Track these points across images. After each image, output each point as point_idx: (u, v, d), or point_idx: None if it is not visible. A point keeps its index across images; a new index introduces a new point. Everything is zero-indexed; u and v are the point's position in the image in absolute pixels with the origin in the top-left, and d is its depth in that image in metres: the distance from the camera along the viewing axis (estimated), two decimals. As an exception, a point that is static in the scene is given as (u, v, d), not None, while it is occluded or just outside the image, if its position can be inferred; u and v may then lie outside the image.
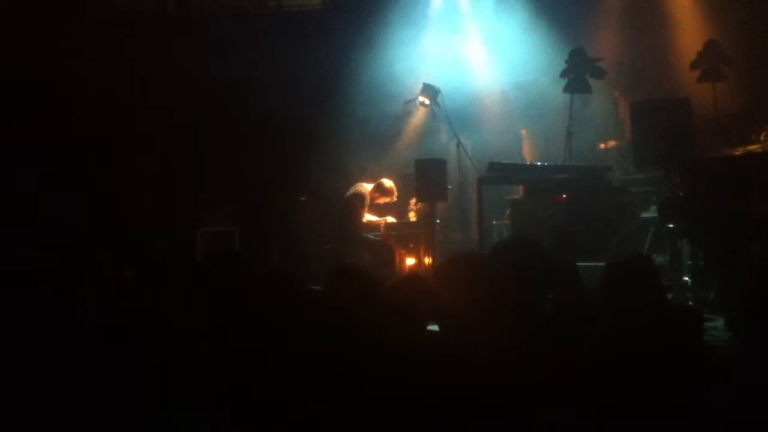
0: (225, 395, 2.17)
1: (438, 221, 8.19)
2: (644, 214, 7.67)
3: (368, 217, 8.25)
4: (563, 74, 8.45)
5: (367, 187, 8.25)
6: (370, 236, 8.20)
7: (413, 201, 8.40)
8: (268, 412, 2.17)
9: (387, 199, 8.33)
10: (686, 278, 6.77)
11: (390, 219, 8.37)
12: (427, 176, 7.64)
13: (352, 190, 8.23)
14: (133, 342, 1.90)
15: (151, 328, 1.95)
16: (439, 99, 8.54)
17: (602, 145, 9.73)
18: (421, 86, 8.64)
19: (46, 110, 8.06)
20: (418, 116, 9.94)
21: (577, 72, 8.37)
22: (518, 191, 8.75)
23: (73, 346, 1.94)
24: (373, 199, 8.26)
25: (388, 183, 8.31)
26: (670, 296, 6.04)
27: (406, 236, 8.12)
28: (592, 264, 5.59)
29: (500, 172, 7.52)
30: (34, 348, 1.99)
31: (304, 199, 9.13)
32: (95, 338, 1.92)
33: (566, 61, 8.44)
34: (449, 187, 8.06)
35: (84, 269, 3.40)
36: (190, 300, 3.19)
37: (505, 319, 2.41)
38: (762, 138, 6.24)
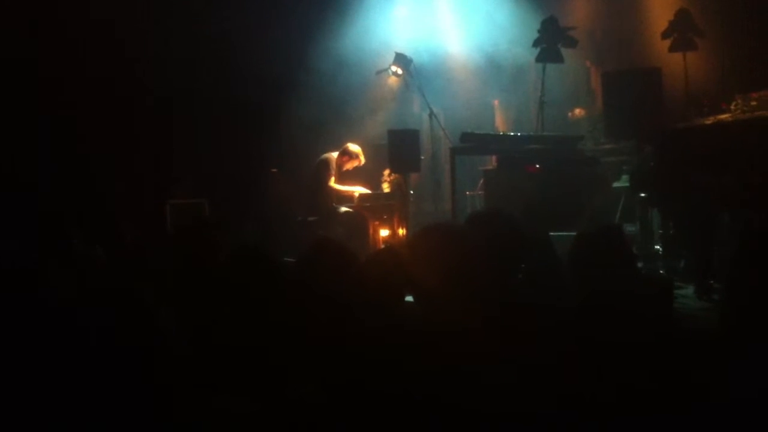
0: (205, 376, 2.15)
1: (411, 192, 8.19)
2: (615, 184, 7.73)
3: (340, 187, 8.24)
4: (535, 44, 8.42)
5: (333, 155, 8.26)
6: (343, 208, 8.18)
7: (386, 172, 8.37)
8: (247, 393, 2.14)
9: (355, 163, 8.34)
10: (657, 247, 6.84)
11: (363, 190, 8.35)
12: (400, 147, 7.61)
13: (318, 159, 8.25)
14: (107, 323, 1.87)
15: (123, 308, 1.91)
16: (411, 69, 8.49)
17: (573, 113, 9.77)
18: (393, 56, 8.57)
19: (6, 84, 7.86)
20: (391, 86, 9.88)
21: (549, 42, 8.34)
22: (491, 161, 8.75)
23: (47, 331, 1.90)
24: (340, 165, 8.27)
25: (353, 147, 8.34)
26: (640, 265, 6.11)
27: (379, 207, 8.11)
28: (565, 234, 5.61)
29: (473, 143, 7.52)
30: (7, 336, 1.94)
31: (275, 171, 9.06)
32: (70, 322, 1.88)
33: (538, 31, 8.40)
34: (422, 157, 8.04)
35: (53, 248, 3.34)
36: (163, 278, 3.15)
37: (478, 289, 2.41)
38: (732, 108, 6.26)
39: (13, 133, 7.69)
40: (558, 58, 8.43)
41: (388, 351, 2.26)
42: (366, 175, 8.70)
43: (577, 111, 9.74)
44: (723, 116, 6.35)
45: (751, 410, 2.04)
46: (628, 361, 2.22)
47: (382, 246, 7.67)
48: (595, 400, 2.10)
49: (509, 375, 2.11)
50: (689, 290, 5.70)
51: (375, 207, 8.12)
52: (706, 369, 2.22)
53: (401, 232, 7.79)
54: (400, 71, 8.55)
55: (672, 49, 8.06)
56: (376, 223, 8.07)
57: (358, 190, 8.32)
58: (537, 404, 2.07)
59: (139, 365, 1.85)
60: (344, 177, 8.42)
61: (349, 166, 8.34)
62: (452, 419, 2.04)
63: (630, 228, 7.09)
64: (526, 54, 8.95)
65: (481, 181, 8.60)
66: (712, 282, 5.48)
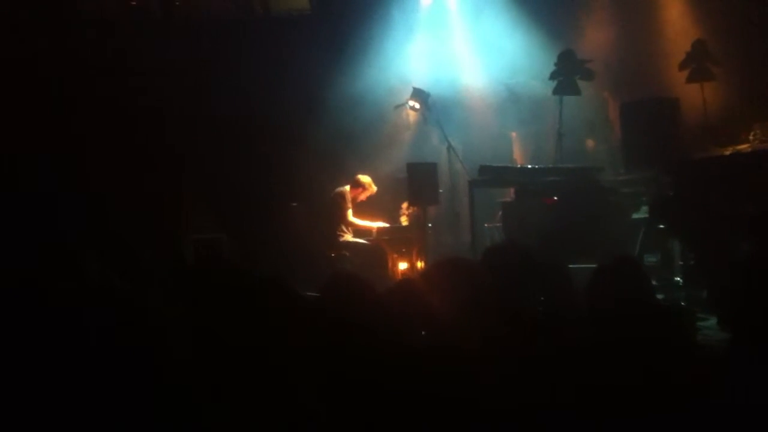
0: (222, 395, 2.16)
1: (430, 225, 8.19)
2: (635, 215, 7.67)
3: (359, 221, 8.26)
4: (552, 76, 8.46)
5: (346, 188, 8.31)
6: (362, 241, 8.19)
7: (405, 205, 8.39)
8: (266, 410, 2.15)
9: (368, 193, 8.37)
10: (677, 278, 6.77)
11: (382, 224, 8.36)
12: (418, 180, 7.64)
13: (333, 193, 8.31)
14: (123, 344, 1.88)
15: (141, 330, 1.93)
16: (429, 102, 8.54)
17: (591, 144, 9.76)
18: (411, 90, 8.63)
19: (35, 111, 7.99)
20: (409, 120, 9.93)
21: (566, 74, 8.38)
22: (509, 193, 8.74)
23: (64, 349, 1.91)
24: (354, 197, 8.29)
25: (363, 177, 8.38)
26: (661, 296, 6.05)
27: (398, 240, 8.12)
28: (584, 266, 5.58)
29: (491, 175, 7.53)
30: (21, 348, 1.95)
31: (295, 205, 9.11)
32: (86, 340, 1.89)
33: (555, 64, 8.44)
34: (440, 190, 8.06)
35: (73, 274, 3.36)
36: (180, 304, 3.16)
37: (491, 321, 2.40)
38: (750, 137, 6.25)
39: (34, 161, 7.81)
40: (575, 91, 8.45)
41: (404, 378, 2.26)
42: (384, 208, 8.72)
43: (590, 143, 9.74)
44: (742, 146, 6.33)
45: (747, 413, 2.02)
46: (630, 363, 2.20)
47: (400, 279, 7.67)
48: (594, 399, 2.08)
49: (510, 375, 2.10)
50: (712, 321, 5.62)
51: (393, 240, 8.13)
52: (705, 372, 2.21)
53: (420, 264, 7.79)
54: (417, 105, 8.61)
55: (689, 79, 8.06)
56: (395, 256, 8.07)
57: (376, 224, 8.33)
58: (537, 404, 2.05)
59: (141, 367, 1.87)
60: (362, 210, 8.45)
61: (363, 197, 8.37)
62: (453, 420, 2.04)
63: (650, 259, 7.03)
64: (544, 86, 8.97)
65: (500, 213, 8.58)
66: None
